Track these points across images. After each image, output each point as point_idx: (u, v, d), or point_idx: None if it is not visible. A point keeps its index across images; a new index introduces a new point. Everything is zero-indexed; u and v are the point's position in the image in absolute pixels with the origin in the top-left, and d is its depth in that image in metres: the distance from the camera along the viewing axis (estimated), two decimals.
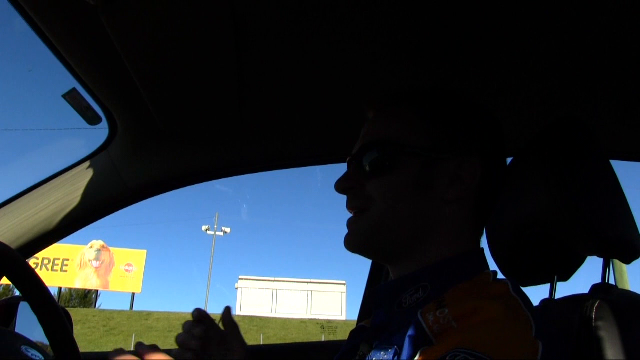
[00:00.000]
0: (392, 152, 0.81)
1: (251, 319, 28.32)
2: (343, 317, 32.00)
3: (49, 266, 28.87)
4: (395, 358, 0.71)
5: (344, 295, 34.39)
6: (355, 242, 0.83)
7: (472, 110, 0.86)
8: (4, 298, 1.15)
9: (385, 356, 0.72)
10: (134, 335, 25.71)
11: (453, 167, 0.80)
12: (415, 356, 0.66)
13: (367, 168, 0.82)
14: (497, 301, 0.67)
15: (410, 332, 0.69)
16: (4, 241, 0.97)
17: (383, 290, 0.84)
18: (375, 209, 0.80)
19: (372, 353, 0.76)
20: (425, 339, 0.67)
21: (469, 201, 0.81)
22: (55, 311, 0.96)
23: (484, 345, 0.60)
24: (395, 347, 0.71)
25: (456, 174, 0.80)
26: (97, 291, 33.26)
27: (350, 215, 0.85)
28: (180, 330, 0.89)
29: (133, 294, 30.73)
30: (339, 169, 1.57)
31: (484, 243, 0.88)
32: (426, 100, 0.86)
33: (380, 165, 0.81)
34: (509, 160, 0.98)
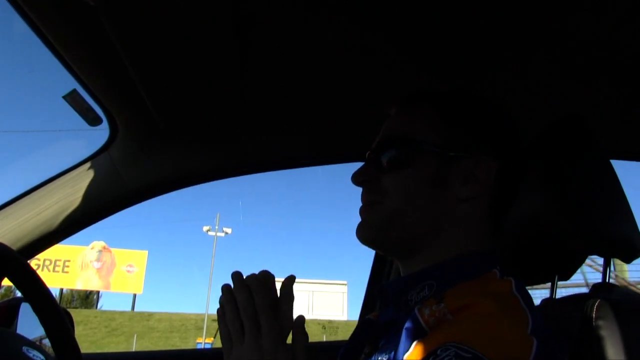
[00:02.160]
0: (409, 148, 0.82)
1: None
2: (344, 317, 32.00)
3: (51, 267, 28.89)
4: (392, 353, 0.71)
5: (345, 295, 34.41)
6: (367, 235, 0.84)
7: (490, 111, 0.87)
8: (5, 299, 1.15)
9: (386, 357, 0.73)
10: (135, 336, 25.73)
11: (469, 166, 0.81)
12: (410, 349, 0.66)
13: (384, 163, 0.83)
14: (494, 298, 0.67)
15: (407, 326, 0.70)
16: (5, 242, 0.97)
17: (390, 288, 0.85)
18: (389, 203, 0.81)
19: (376, 354, 0.76)
20: (421, 332, 0.68)
21: (483, 200, 0.81)
22: (57, 312, 0.96)
23: (474, 340, 0.60)
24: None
25: (472, 173, 0.80)
26: (98, 292, 33.31)
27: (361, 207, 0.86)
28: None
29: (134, 295, 30.76)
30: (341, 169, 1.57)
31: None
32: (446, 101, 0.87)
33: (397, 160, 0.82)
34: None
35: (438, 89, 0.90)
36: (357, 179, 0.85)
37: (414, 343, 0.66)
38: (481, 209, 0.81)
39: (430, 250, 0.80)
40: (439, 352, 0.60)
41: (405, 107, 0.89)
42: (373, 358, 0.77)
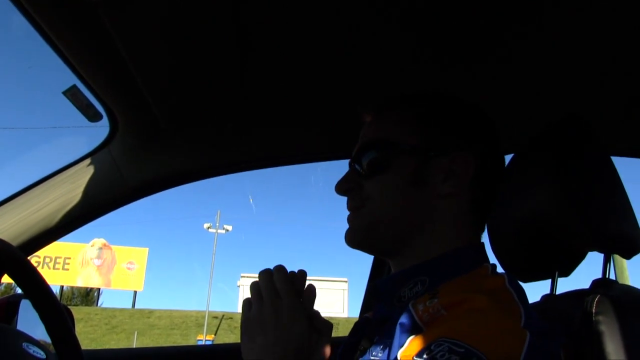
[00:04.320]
0: (387, 151, 0.84)
1: None
2: (345, 314, 32.06)
3: (51, 264, 28.97)
4: (387, 348, 0.72)
5: (346, 292, 34.48)
6: (354, 238, 0.86)
7: (463, 109, 0.88)
8: (6, 295, 1.15)
9: (381, 352, 0.73)
10: (135, 333, 25.78)
11: (447, 163, 0.82)
12: (404, 344, 0.67)
13: (365, 168, 0.85)
14: (487, 293, 0.68)
15: (401, 321, 0.71)
16: (5, 239, 0.97)
17: (383, 285, 0.86)
18: (372, 206, 0.83)
19: (372, 348, 0.77)
20: (415, 327, 0.69)
21: (464, 195, 0.83)
22: (57, 309, 0.96)
23: (468, 335, 0.61)
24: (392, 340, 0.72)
25: (450, 169, 0.82)
26: (99, 289, 33.41)
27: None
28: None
29: (135, 292, 30.84)
30: (341, 166, 1.57)
31: (485, 239, 0.89)
32: (419, 102, 0.89)
33: (376, 164, 0.84)
34: (510, 157, 0.99)
35: (410, 92, 0.91)
36: (340, 188, 0.87)
37: (409, 339, 0.67)
38: (463, 204, 0.83)
39: (418, 249, 0.82)
40: (432, 347, 0.61)
41: (381, 112, 0.90)
42: (368, 352, 0.78)
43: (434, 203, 0.82)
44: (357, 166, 0.86)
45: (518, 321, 0.65)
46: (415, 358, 0.63)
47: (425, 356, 0.61)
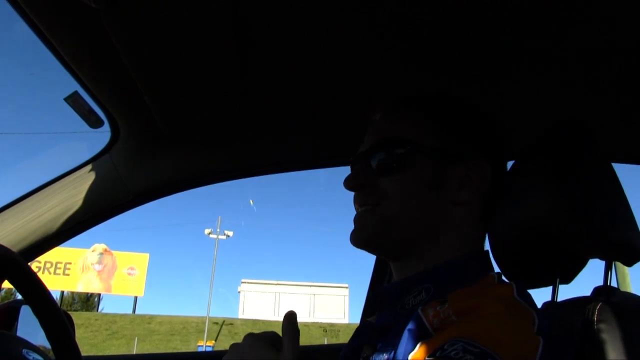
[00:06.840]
0: (408, 150, 0.81)
1: (254, 322, 28.29)
2: (346, 320, 31.98)
3: (52, 270, 28.94)
4: (392, 354, 0.71)
5: (347, 298, 34.42)
6: (362, 237, 0.83)
7: (477, 116, 0.88)
8: (6, 301, 1.14)
9: (385, 357, 0.73)
10: (136, 338, 25.72)
11: (464, 170, 0.81)
12: (414, 349, 0.66)
13: (380, 166, 0.82)
14: (499, 301, 0.67)
15: (410, 327, 0.69)
16: (6, 244, 0.97)
17: (386, 293, 0.85)
18: (388, 205, 0.81)
19: (375, 355, 0.76)
20: (425, 333, 0.68)
21: (477, 204, 0.82)
22: (57, 314, 0.95)
23: (482, 336, 0.60)
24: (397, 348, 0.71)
25: (467, 177, 0.81)
26: (99, 295, 33.35)
27: (355, 212, 0.86)
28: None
29: (135, 298, 30.77)
30: (343, 172, 1.57)
31: (486, 245, 0.89)
32: (435, 105, 0.87)
33: (396, 162, 0.81)
34: (510, 163, 0.99)
35: (424, 93, 0.90)
36: (353, 182, 0.84)
37: (419, 344, 0.66)
38: (475, 213, 0.82)
39: (426, 254, 0.81)
40: (445, 346, 0.60)
41: (395, 111, 0.88)
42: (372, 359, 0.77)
43: (448, 209, 0.81)
44: (369, 163, 0.84)
45: (531, 327, 0.64)
46: (427, 358, 0.62)
47: (438, 354, 0.61)
